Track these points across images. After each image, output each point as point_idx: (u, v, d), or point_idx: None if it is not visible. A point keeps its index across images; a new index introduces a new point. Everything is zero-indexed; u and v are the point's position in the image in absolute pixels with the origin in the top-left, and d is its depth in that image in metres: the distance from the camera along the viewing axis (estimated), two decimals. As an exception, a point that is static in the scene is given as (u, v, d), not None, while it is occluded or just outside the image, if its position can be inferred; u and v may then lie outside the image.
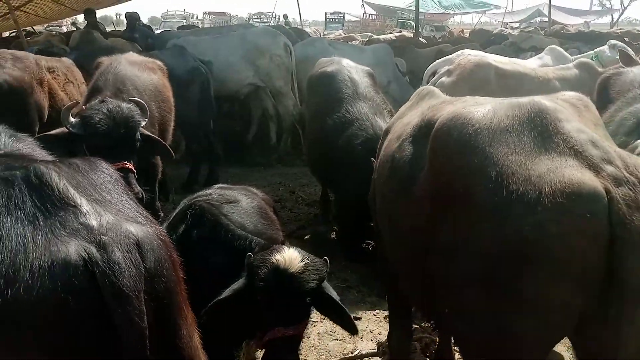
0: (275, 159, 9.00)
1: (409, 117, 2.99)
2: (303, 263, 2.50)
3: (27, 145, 2.30)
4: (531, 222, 1.90)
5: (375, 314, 4.46)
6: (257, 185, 3.82)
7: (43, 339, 1.52)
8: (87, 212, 1.61)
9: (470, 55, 6.76)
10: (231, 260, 2.69)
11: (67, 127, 3.56)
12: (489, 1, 36.77)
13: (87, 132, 3.53)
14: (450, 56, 7.19)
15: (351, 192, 4.71)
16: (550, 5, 23.79)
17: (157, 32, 12.74)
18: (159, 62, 5.71)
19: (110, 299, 1.54)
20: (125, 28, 11.87)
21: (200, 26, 24.52)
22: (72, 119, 3.57)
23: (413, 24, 23.89)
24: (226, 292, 2.52)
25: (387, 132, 3.32)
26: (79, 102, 3.82)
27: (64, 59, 6.46)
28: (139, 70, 4.97)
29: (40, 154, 2.28)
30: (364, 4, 40.08)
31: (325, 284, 2.61)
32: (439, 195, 2.28)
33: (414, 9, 20.54)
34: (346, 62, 5.95)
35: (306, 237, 5.95)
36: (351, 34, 22.92)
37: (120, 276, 1.54)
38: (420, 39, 16.51)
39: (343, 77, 5.64)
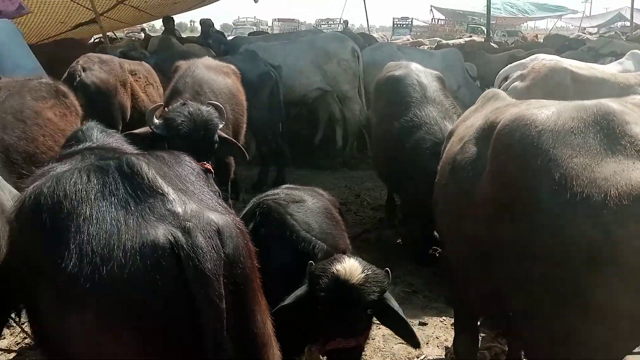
0: (340, 162, 9.09)
1: (473, 119, 2.98)
2: (364, 274, 2.47)
3: (116, 140, 2.51)
4: (596, 225, 1.87)
5: (441, 320, 4.41)
6: (323, 188, 3.89)
7: (131, 314, 1.65)
8: (174, 199, 1.75)
9: (544, 60, 6.55)
10: (294, 262, 2.72)
11: (151, 128, 3.79)
12: (565, 5, 35.38)
13: (170, 133, 3.75)
14: (523, 60, 6.99)
15: (418, 196, 4.69)
16: (632, 8, 22.50)
17: (229, 38, 13.19)
18: (232, 67, 5.95)
19: (193, 280, 1.66)
20: (199, 34, 12.38)
21: (269, 32, 25.10)
22: (156, 120, 3.80)
23: (483, 28, 23.36)
24: (289, 299, 2.54)
25: (450, 134, 3.31)
26: (162, 105, 4.04)
27: (144, 62, 6.85)
28: (214, 74, 5.21)
29: (128, 148, 2.47)
30: (433, 9, 39.58)
31: (387, 295, 2.58)
32: (501, 197, 2.27)
33: (485, 12, 20.09)
34: (414, 66, 5.93)
35: (371, 241, 5.97)
36: (419, 39, 22.73)
37: (202, 259, 1.66)
38: (492, 43, 16.12)
39: (411, 80, 5.62)
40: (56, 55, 7.59)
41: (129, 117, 5.85)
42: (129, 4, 11.51)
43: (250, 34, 15.60)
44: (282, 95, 7.76)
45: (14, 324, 3.58)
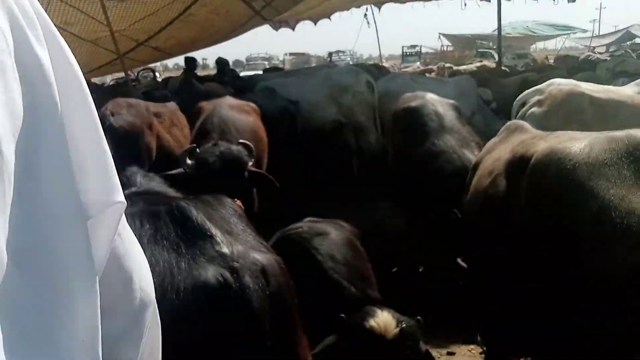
0: (357, 192, 9.14)
1: (499, 152, 3.05)
2: (398, 329, 2.47)
3: (157, 184, 2.62)
4: (638, 255, 1.91)
5: (470, 349, 4.40)
6: (343, 219, 3.95)
7: (182, 352, 1.74)
8: (221, 241, 1.85)
9: (561, 85, 6.62)
10: (319, 305, 2.67)
11: (184, 169, 3.90)
12: (574, 24, 35.45)
13: (202, 173, 3.82)
14: (540, 86, 7.05)
15: (438, 223, 4.74)
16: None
17: (242, 74, 13.48)
18: (252, 105, 6.13)
19: (241, 317, 1.74)
20: (215, 72, 12.70)
21: (281, 67, 25.52)
22: (188, 161, 3.91)
23: (492, 52, 23.50)
24: (318, 347, 2.50)
25: (475, 167, 3.37)
26: (195, 147, 4.14)
27: (169, 104, 7.02)
28: (237, 112, 5.38)
29: (170, 191, 2.58)
30: (441, 36, 39.95)
31: (421, 344, 2.58)
32: (539, 231, 2.31)
33: (493, 34, 20.26)
34: (430, 96, 6.05)
35: (395, 271, 5.97)
36: (429, 66, 22.94)
37: (250, 298, 1.75)
38: (503, 67, 16.24)
39: (427, 110, 5.73)
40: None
41: (154, 158, 6.01)
42: (149, 45, 11.88)
43: (265, 70, 15.88)
44: (301, 129, 7.91)
45: None
